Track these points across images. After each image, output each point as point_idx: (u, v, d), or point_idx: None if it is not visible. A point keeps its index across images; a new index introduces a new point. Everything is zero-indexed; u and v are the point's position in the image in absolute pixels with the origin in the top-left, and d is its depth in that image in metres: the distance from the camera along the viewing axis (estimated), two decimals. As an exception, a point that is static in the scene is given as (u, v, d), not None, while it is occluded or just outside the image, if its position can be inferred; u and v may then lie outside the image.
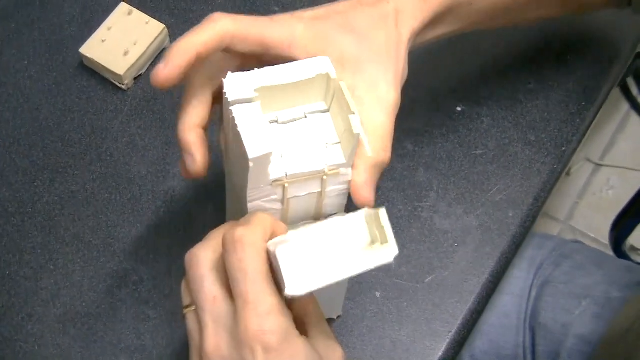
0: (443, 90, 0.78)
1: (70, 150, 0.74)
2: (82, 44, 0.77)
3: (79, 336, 0.67)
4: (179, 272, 0.69)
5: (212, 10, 0.80)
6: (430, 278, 0.70)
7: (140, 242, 0.70)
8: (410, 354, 0.67)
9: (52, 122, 0.76)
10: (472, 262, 0.70)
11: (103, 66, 0.76)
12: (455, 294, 0.69)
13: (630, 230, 1.11)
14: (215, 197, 0.72)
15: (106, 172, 0.73)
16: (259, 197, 0.50)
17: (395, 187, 0.73)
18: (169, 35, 0.79)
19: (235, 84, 0.48)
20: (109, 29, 0.77)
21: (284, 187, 0.49)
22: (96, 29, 0.78)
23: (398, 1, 0.55)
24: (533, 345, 0.88)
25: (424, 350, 0.67)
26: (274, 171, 0.48)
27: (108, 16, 0.78)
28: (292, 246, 0.46)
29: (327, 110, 0.51)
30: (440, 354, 0.67)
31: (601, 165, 1.74)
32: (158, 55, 0.79)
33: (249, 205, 0.50)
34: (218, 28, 0.51)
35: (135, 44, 0.77)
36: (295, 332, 0.47)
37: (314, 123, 0.51)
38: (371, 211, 0.48)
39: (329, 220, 0.49)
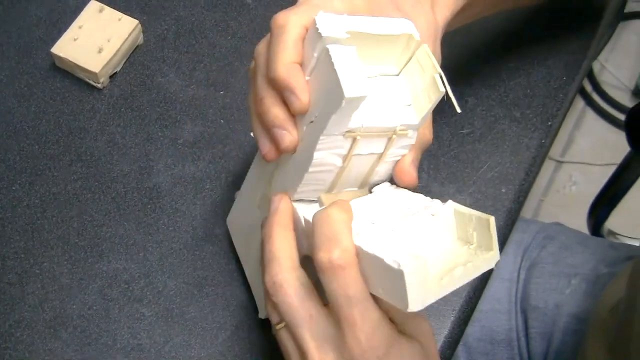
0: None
1: (48, 152, 0.71)
2: (52, 45, 0.75)
3: (72, 340, 0.63)
4: (170, 267, 0.67)
5: (184, 7, 0.78)
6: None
7: (128, 240, 0.68)
8: (416, 334, 0.65)
9: (27, 125, 0.73)
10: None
11: (77, 65, 0.73)
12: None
13: (606, 216, 1.12)
14: (204, 192, 0.70)
15: (87, 172, 0.71)
16: (327, 147, 0.48)
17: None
18: (142, 32, 0.77)
19: (327, 22, 0.46)
20: (80, 27, 0.75)
21: (354, 139, 0.48)
22: (65, 29, 0.75)
23: None
24: (526, 328, 0.87)
25: (429, 330, 0.65)
26: (354, 120, 0.47)
27: (77, 16, 0.76)
28: (419, 265, 0.43)
29: (397, 74, 0.51)
30: (446, 332, 0.65)
31: (562, 162, 1.76)
32: (133, 51, 0.76)
33: (315, 155, 0.48)
34: (294, 35, 0.48)
35: (109, 41, 0.74)
36: (396, 333, 0.47)
37: (386, 84, 0.50)
38: (464, 210, 0.47)
39: (419, 216, 0.48)
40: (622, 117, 1.77)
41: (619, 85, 1.84)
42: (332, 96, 0.44)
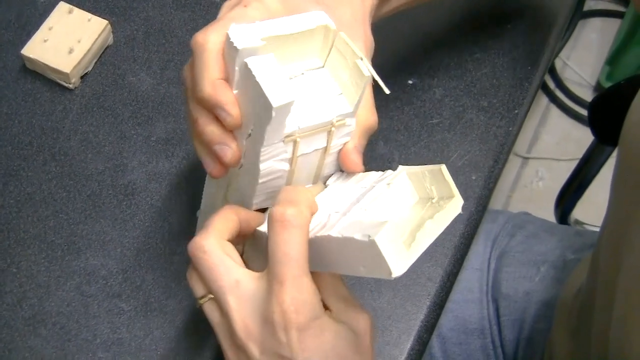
0: (392, 65, 0.79)
1: (22, 153, 0.72)
2: (22, 47, 0.75)
3: (52, 336, 0.64)
4: (148, 262, 0.67)
5: (153, 7, 0.79)
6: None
7: (105, 237, 0.68)
8: (393, 319, 0.66)
9: (-1, 126, 0.73)
10: (442, 226, 0.70)
11: (48, 66, 0.74)
12: (430, 257, 0.69)
13: (572, 205, 1.14)
14: (179, 187, 0.71)
15: (62, 171, 0.71)
16: (271, 156, 0.49)
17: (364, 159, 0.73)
18: (112, 32, 0.78)
19: (242, 35, 0.46)
20: (50, 28, 0.76)
21: (295, 142, 0.48)
22: (35, 31, 0.76)
23: None
24: (498, 316, 0.89)
25: (405, 315, 0.67)
26: (289, 125, 0.47)
27: (46, 18, 0.77)
28: (388, 230, 0.43)
29: (322, 67, 0.51)
30: (422, 316, 0.67)
31: (528, 158, 1.79)
32: (103, 52, 0.77)
33: (262, 166, 0.49)
34: (214, 52, 0.48)
35: (79, 42, 0.75)
36: (324, 312, 0.48)
37: (312, 79, 0.51)
38: (416, 169, 0.48)
39: (376, 190, 0.48)
40: (585, 112, 1.80)
41: (581, 82, 1.88)
42: (261, 108, 0.45)
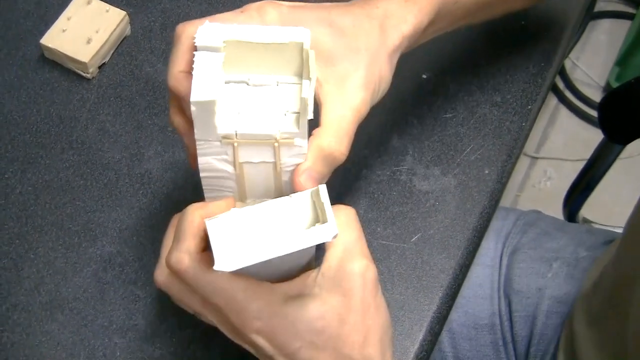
0: (407, 59, 0.79)
1: (40, 141, 0.73)
2: (41, 36, 0.76)
3: (68, 322, 0.65)
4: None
5: (173, -5, 0.80)
6: (415, 237, 0.70)
7: (121, 224, 0.69)
8: (406, 310, 0.67)
9: (17, 115, 0.74)
10: (454, 219, 0.71)
11: (66, 55, 0.75)
12: (443, 250, 0.70)
13: (580, 204, 1.15)
14: (194, 176, 0.71)
15: (79, 159, 0.72)
16: (209, 153, 0.49)
17: (371, 154, 0.74)
18: (130, 23, 0.78)
19: (208, 33, 0.48)
20: (69, 18, 0.77)
21: (233, 146, 0.49)
22: (53, 21, 0.77)
23: (387, 6, 0.55)
24: (509, 312, 0.89)
25: (418, 306, 0.67)
26: (225, 126, 0.48)
27: (65, 8, 0.78)
28: (225, 221, 0.47)
29: (298, 83, 0.51)
30: (434, 307, 0.68)
31: (537, 158, 1.80)
32: (120, 42, 0.78)
33: (200, 160, 0.50)
34: (185, 45, 0.50)
35: (97, 32, 0.76)
36: (279, 302, 0.49)
37: (282, 92, 0.51)
38: (315, 190, 0.49)
39: (277, 199, 0.49)
40: (593, 113, 1.81)
41: (591, 83, 1.88)
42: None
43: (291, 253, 0.46)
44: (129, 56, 0.78)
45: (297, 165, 0.50)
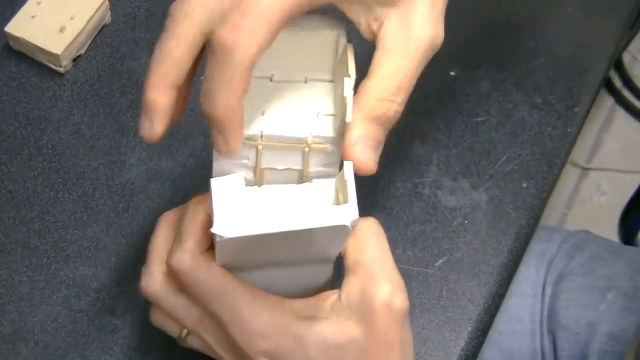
0: (435, 55, 0.80)
1: (4, 145, 0.74)
2: (6, 23, 0.77)
3: (34, 357, 0.66)
4: (147, 275, 0.69)
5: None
6: (440, 261, 0.71)
7: (98, 243, 0.71)
8: (429, 346, 0.68)
9: (-22, 115, 0.75)
10: (486, 240, 0.72)
11: (35, 46, 0.76)
12: (472, 276, 0.71)
13: (639, 224, 1.16)
14: (183, 189, 0.73)
15: (49, 167, 0.74)
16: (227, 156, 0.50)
17: (389, 163, 0.75)
18: (110, 9, 0.80)
19: None
20: (39, 3, 0.78)
21: (257, 149, 0.50)
22: (20, 6, 0.78)
23: None
24: (554, 350, 0.90)
25: (443, 342, 0.68)
26: (249, 127, 0.49)
27: (35, -8, 0.79)
28: (233, 183, 0.48)
29: (331, 81, 0.52)
30: (462, 343, 0.69)
31: (588, 169, 1.80)
32: (99, 31, 0.79)
33: (215, 165, 0.51)
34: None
35: (72, 19, 0.77)
36: (294, 321, 0.51)
37: (312, 90, 0.52)
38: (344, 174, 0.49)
39: (296, 185, 0.51)
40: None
41: (654, 80, 1.89)
42: None
43: (304, 245, 0.48)
44: (108, 47, 0.79)
45: (334, 170, 0.51)
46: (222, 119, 0.47)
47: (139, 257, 0.70)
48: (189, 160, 0.74)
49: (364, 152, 0.50)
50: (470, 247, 0.72)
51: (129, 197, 0.73)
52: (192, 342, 0.55)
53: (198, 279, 0.51)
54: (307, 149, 0.50)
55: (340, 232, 0.48)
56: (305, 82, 0.52)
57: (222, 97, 0.46)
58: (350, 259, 0.52)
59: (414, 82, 0.52)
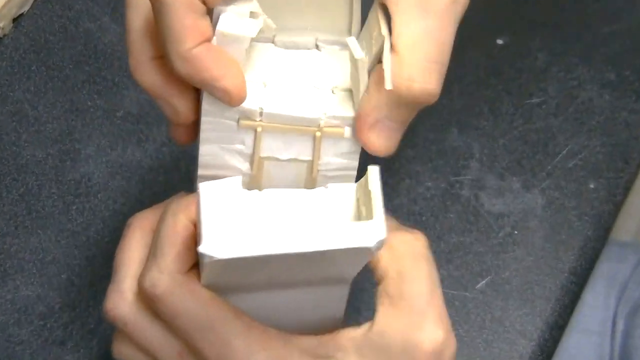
0: (474, 18, 0.80)
1: None
2: None
3: (-37, 399, 0.67)
4: (104, 296, 0.69)
5: None
6: (483, 282, 0.72)
7: (44, 256, 0.71)
8: (468, 390, 0.69)
9: None
10: (542, 257, 0.73)
11: (-35, 3, 0.77)
12: (523, 302, 0.71)
13: None
14: (154, 185, 0.73)
15: (-18, 157, 0.74)
16: (216, 138, 0.50)
17: (418, 157, 0.75)
18: (61, -43, 0.80)
19: None
20: (-30, -52, 0.79)
21: (255, 132, 0.50)
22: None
23: None
24: (628, 400, 0.90)
25: (486, 385, 0.69)
26: (247, 101, 0.48)
27: None
28: (226, 188, 0.47)
29: (347, 45, 0.52)
30: (511, 387, 0.69)
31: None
32: (47, -15, 0.80)
33: (202, 149, 0.51)
34: None
35: (12, -32, 0.78)
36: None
37: (325, 57, 0.52)
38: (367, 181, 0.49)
39: (306, 190, 0.51)
40: None
41: None
42: None
43: (314, 265, 0.47)
44: (58, 5, 0.80)
45: (352, 161, 0.51)
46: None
47: (97, 273, 0.70)
48: (162, 150, 0.75)
49: (382, 138, 0.50)
50: (521, 265, 0.73)
51: (84, 197, 0.73)
52: None
53: (178, 308, 0.49)
54: (318, 134, 0.50)
55: (361, 254, 0.47)
56: (317, 47, 0.52)
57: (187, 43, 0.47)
58: (392, 287, 0.51)
59: (447, 48, 0.50)
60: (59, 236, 0.72)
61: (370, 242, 0.45)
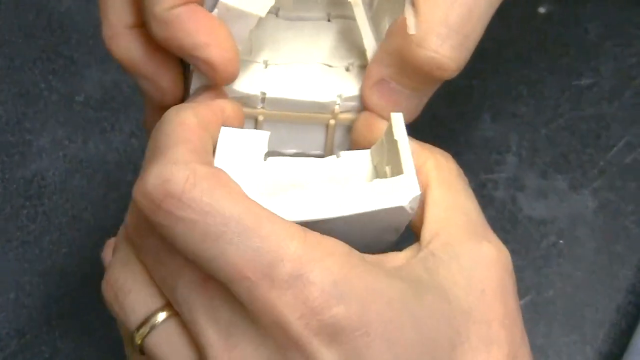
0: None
1: None
2: None
3: None
4: (66, 319, 0.69)
5: None
6: (521, 303, 0.71)
7: (-11, 271, 0.71)
8: None
9: None
10: (593, 272, 0.72)
11: None
12: (571, 328, 0.71)
13: None
14: (120, 185, 0.73)
15: None
16: None
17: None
18: None
19: None
20: None
21: (256, 121, 0.50)
22: None
23: None
24: None
25: None
26: (244, 83, 0.49)
27: None
28: (248, 142, 0.46)
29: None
30: None
31: None
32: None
33: None
34: None
35: None
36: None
37: (338, 32, 0.52)
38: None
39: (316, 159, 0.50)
40: None
41: None
42: None
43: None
44: (6, -34, 0.79)
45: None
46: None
47: (51, 293, 0.70)
48: (131, 142, 0.74)
49: (375, 95, 0.50)
50: (567, 281, 0.72)
51: (37, 199, 0.73)
52: (160, 343, 0.50)
53: (206, 206, 0.42)
54: (332, 122, 0.50)
55: (394, 216, 0.46)
56: (328, 19, 0.52)
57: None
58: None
59: (476, 18, 0.50)
60: (6, 247, 0.71)
61: (403, 201, 0.44)
